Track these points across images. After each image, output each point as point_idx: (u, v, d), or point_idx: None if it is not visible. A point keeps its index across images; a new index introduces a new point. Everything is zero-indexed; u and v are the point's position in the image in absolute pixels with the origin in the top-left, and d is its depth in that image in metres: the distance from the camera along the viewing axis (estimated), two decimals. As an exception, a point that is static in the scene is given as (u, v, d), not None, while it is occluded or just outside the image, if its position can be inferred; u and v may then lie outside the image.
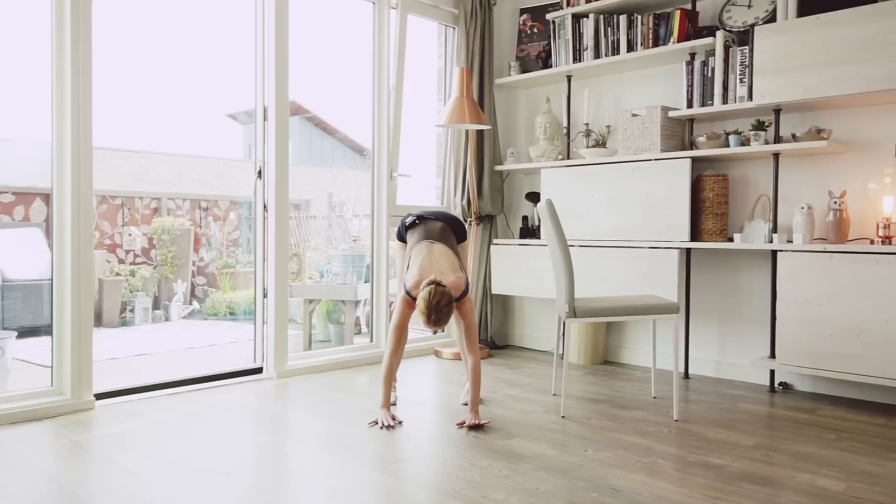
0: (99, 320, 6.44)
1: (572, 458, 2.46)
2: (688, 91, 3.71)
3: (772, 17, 3.47)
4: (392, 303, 4.53)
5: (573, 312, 2.95)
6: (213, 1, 8.50)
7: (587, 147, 4.10)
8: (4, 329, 5.46)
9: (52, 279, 3.06)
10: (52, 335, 3.09)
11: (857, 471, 2.36)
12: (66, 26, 3.00)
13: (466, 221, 4.46)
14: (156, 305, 7.20)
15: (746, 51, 3.47)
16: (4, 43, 6.09)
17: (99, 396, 3.16)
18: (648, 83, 4.10)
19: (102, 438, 2.65)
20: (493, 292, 4.47)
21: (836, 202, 3.23)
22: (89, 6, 3.05)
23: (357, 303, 5.09)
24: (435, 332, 2.99)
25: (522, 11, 4.65)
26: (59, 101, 3.03)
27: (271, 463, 2.40)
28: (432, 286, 2.82)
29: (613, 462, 2.42)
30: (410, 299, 2.97)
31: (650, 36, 3.88)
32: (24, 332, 5.51)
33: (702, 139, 3.60)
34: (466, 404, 3.18)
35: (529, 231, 4.45)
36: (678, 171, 3.58)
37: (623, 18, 3.97)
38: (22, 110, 6.41)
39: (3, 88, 6.24)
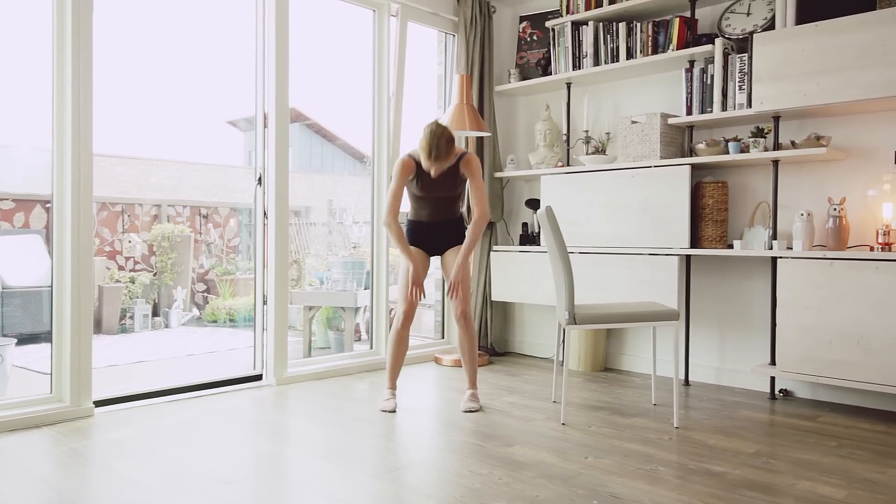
0: (98, 327, 6.43)
1: (572, 465, 2.46)
2: (687, 98, 3.72)
3: (770, 25, 3.48)
4: (392, 309, 4.53)
5: (573, 319, 2.95)
6: (213, 8, 8.53)
7: (587, 154, 4.11)
8: (4, 336, 5.45)
9: (51, 286, 3.06)
10: (51, 342, 3.08)
11: (858, 478, 2.36)
12: (67, 33, 3.01)
13: (464, 230, 4.46)
14: (155, 312, 7.20)
15: (745, 58, 3.47)
16: (5, 50, 6.11)
17: (98, 403, 3.15)
18: (648, 90, 4.11)
19: (101, 446, 2.64)
20: (493, 299, 4.46)
21: (835, 209, 3.23)
22: (90, 13, 3.06)
23: (357, 309, 5.09)
24: (432, 171, 3.07)
25: (522, 19, 4.66)
26: (60, 107, 3.03)
27: (271, 470, 2.39)
28: (434, 124, 3.04)
29: (614, 469, 2.42)
30: (409, 158, 3.15)
31: (649, 43, 3.89)
32: (24, 339, 5.51)
33: (701, 146, 3.61)
34: (466, 412, 3.18)
35: (529, 238, 4.45)
36: (678, 178, 3.58)
37: (622, 26, 3.98)
38: (23, 117, 6.42)
39: (4, 95, 6.26)
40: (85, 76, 3.04)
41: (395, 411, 3.19)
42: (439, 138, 3.00)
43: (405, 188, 3.24)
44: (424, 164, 3.07)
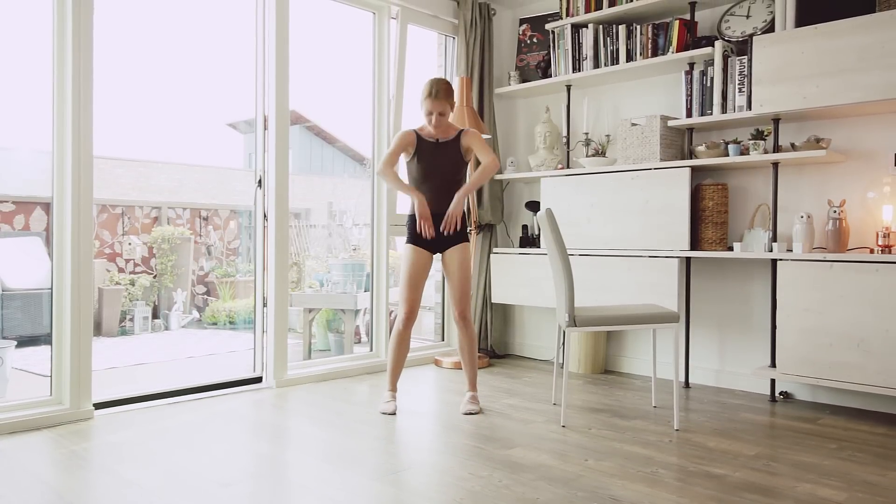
0: (98, 329, 6.43)
1: (573, 467, 2.46)
2: (687, 100, 3.72)
3: (770, 28, 3.49)
4: (393, 312, 4.53)
5: (573, 321, 2.95)
6: (213, 10, 8.55)
7: (587, 156, 4.11)
8: (4, 338, 5.45)
9: (51, 288, 3.06)
10: (51, 344, 3.08)
11: (858, 480, 2.36)
12: (67, 34, 3.01)
13: (466, 229, 4.46)
14: (155, 314, 7.20)
15: (745, 60, 3.48)
16: (6, 52, 6.11)
17: (98, 406, 3.15)
18: (648, 92, 4.11)
19: (101, 448, 2.64)
20: (492, 301, 4.46)
21: (835, 211, 3.24)
22: (90, 15, 3.06)
23: (357, 312, 5.09)
24: (433, 120, 3.17)
25: (522, 21, 4.67)
26: (60, 110, 3.04)
27: (271, 473, 2.39)
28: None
29: (614, 472, 2.41)
30: (410, 130, 3.27)
31: (649, 46, 3.90)
32: (24, 342, 5.51)
33: (701, 148, 3.61)
34: (466, 414, 3.18)
35: (529, 240, 4.45)
36: (678, 181, 3.58)
37: (622, 28, 3.98)
38: (23, 119, 6.42)
39: (4, 97, 6.26)
40: (85, 78, 3.05)
41: (395, 413, 3.19)
42: (438, 81, 3.19)
43: (406, 163, 3.33)
44: (426, 107, 3.17)
